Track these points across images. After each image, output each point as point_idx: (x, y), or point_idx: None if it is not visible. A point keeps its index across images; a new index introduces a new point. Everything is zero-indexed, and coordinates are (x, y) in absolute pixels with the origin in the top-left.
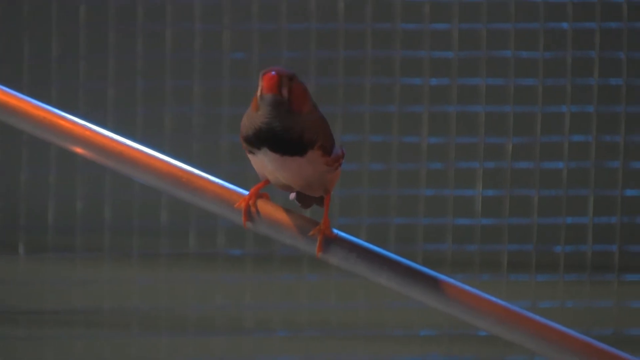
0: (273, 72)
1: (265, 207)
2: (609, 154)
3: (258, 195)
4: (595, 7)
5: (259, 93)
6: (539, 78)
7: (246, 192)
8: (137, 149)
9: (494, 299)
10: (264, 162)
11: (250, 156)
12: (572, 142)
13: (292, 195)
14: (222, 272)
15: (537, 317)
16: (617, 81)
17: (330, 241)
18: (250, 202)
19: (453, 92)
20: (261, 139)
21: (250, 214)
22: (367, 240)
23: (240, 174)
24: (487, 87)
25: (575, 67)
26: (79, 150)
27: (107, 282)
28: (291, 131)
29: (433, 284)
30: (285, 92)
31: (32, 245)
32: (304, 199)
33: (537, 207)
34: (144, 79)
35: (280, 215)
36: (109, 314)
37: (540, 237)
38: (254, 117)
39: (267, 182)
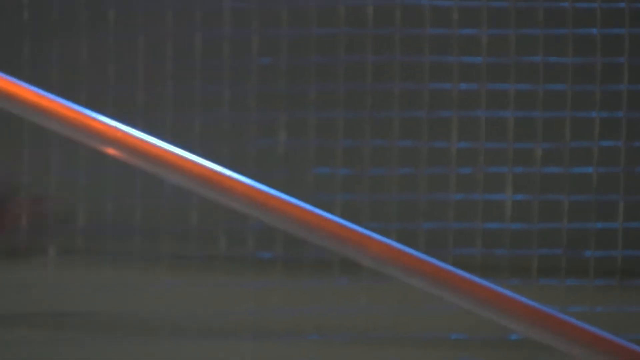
0: None
1: None
2: (639, 159)
3: None
4: (624, 13)
5: None
6: (568, 83)
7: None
8: (171, 151)
9: (528, 300)
10: None
11: None
12: (602, 147)
13: None
14: (252, 276)
15: (572, 320)
16: None
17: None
18: None
19: (482, 97)
20: None
21: None
22: None
23: (267, 178)
24: (516, 93)
25: (605, 73)
26: (110, 151)
27: (135, 285)
28: None
29: (467, 286)
30: None
31: (62, 248)
32: None
33: (567, 212)
34: (173, 83)
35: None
36: (134, 318)
37: (569, 242)
38: None
39: None
